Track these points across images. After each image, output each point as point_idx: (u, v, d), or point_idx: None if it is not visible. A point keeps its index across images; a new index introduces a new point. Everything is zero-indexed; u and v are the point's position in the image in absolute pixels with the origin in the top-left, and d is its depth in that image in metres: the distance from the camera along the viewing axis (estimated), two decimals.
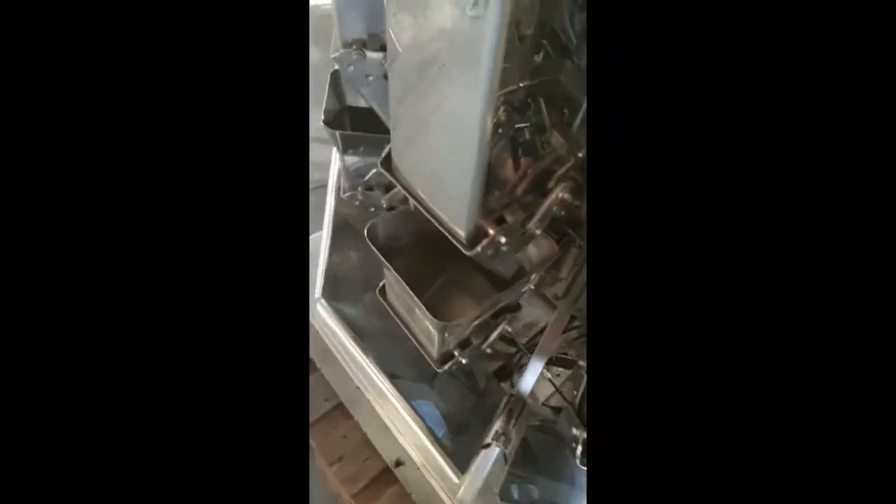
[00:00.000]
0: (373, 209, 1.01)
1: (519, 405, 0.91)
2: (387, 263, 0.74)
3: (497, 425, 0.86)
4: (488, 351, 0.81)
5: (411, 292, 0.71)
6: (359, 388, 1.19)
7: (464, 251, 0.60)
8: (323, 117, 0.90)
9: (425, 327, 0.79)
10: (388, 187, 0.98)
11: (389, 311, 0.86)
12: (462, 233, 0.61)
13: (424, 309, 0.69)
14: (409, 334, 0.83)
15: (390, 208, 1.00)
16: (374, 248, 0.74)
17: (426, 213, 0.64)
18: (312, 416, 1.34)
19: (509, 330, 0.81)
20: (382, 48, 0.81)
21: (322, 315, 0.96)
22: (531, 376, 1.02)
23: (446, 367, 0.79)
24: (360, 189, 0.98)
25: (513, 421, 0.89)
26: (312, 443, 1.32)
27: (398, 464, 1.20)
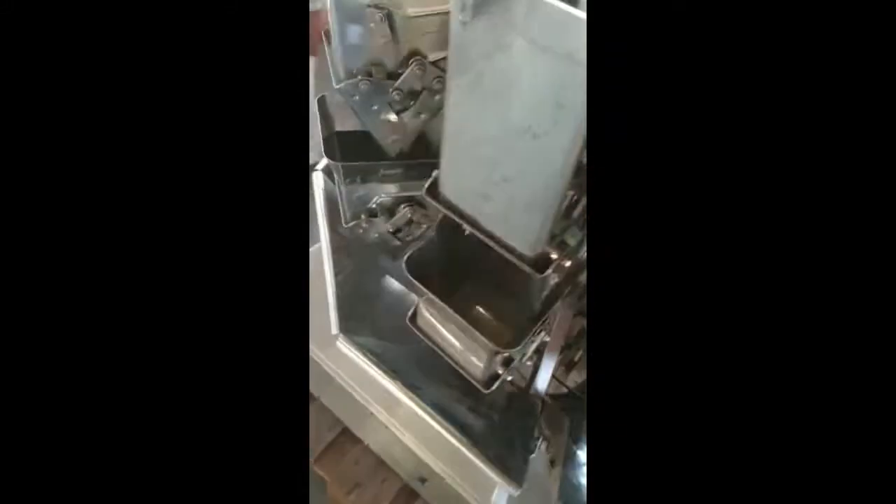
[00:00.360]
0: (376, 235, 0.99)
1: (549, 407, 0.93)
2: (432, 295, 0.73)
3: (539, 430, 0.87)
4: (528, 364, 0.82)
5: (465, 322, 0.71)
6: (373, 413, 1.17)
7: (534, 276, 0.61)
8: (323, 148, 0.87)
9: (471, 350, 0.79)
10: (392, 212, 0.96)
11: (422, 337, 0.85)
12: (530, 259, 0.61)
13: (481, 336, 0.69)
14: (447, 359, 0.83)
15: (395, 231, 0.98)
16: (415, 281, 0.73)
17: (488, 241, 0.64)
18: (318, 447, 1.31)
19: (546, 340, 0.82)
20: (389, 76, 0.79)
21: (344, 351, 0.94)
22: (546, 374, 1.05)
23: (493, 387, 0.80)
24: (363, 217, 0.96)
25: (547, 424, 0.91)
26: (325, 476, 1.29)
27: (422, 480, 1.20)
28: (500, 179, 0.58)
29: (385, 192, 0.95)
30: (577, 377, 1.25)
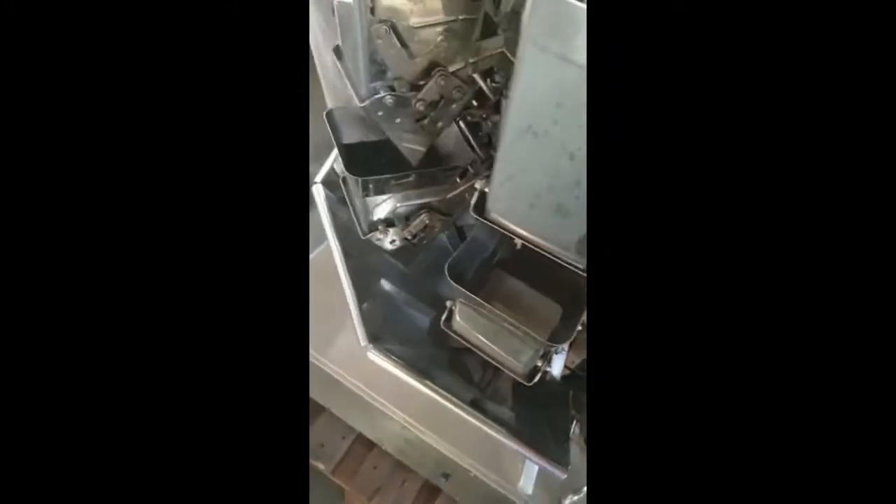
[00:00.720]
0: (393, 241, 1.00)
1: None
2: (478, 299, 0.76)
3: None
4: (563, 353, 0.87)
5: (514, 321, 0.75)
6: (390, 416, 1.19)
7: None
8: (343, 162, 0.88)
9: (512, 348, 0.83)
10: (409, 219, 0.98)
11: (458, 338, 0.88)
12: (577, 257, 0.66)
13: (534, 334, 0.73)
14: (486, 357, 0.86)
15: (413, 237, 1.00)
16: (461, 289, 0.76)
17: (540, 251, 0.67)
18: (335, 458, 1.31)
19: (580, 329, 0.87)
20: (412, 87, 0.81)
21: (377, 362, 0.95)
22: (560, 361, 1.10)
23: (535, 380, 0.84)
24: (380, 227, 0.97)
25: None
26: (343, 485, 1.30)
27: (445, 476, 1.23)
28: (546, 192, 0.61)
29: (402, 201, 0.96)
30: (574, 357, 1.31)
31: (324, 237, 1.45)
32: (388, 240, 0.98)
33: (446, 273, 0.77)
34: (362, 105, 0.79)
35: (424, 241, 1.02)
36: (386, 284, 1.32)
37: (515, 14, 0.94)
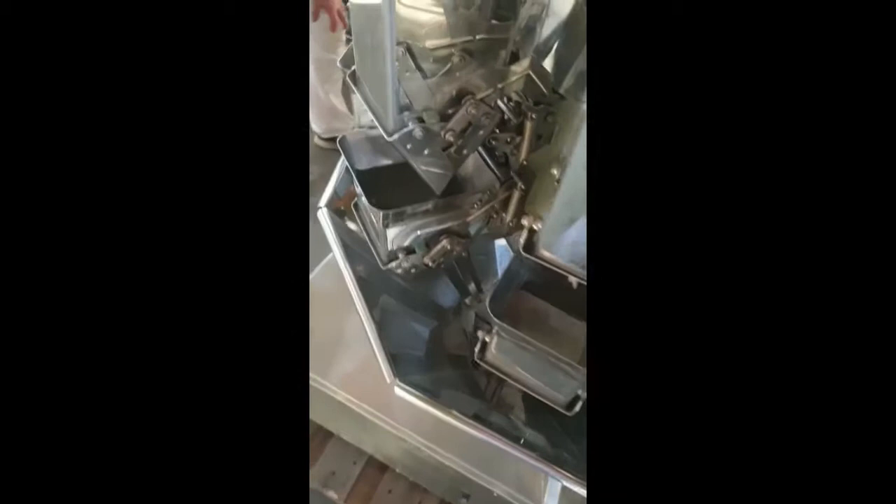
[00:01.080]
0: (413, 269, 0.97)
1: None
2: (522, 335, 0.74)
3: None
4: None
5: (557, 355, 0.73)
6: (403, 438, 1.16)
7: None
8: (368, 198, 0.84)
9: (555, 381, 0.81)
10: (429, 246, 0.95)
11: (492, 370, 0.86)
12: None
13: (575, 364, 0.72)
14: (521, 388, 0.85)
15: (433, 263, 0.97)
16: (510, 328, 0.74)
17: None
18: (347, 484, 1.28)
19: None
20: (442, 117, 0.77)
21: (405, 397, 0.92)
22: None
23: (576, 409, 0.83)
24: (400, 255, 0.94)
25: None
26: None
27: (466, 497, 1.21)
28: None
29: (423, 228, 0.93)
30: None
31: (320, 257, 1.40)
32: (409, 267, 0.95)
33: (488, 310, 0.75)
34: (390, 139, 0.75)
35: (442, 267, 0.99)
36: (386, 298, 1.28)
37: (530, 31, 0.92)
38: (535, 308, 0.94)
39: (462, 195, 0.88)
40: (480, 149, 0.96)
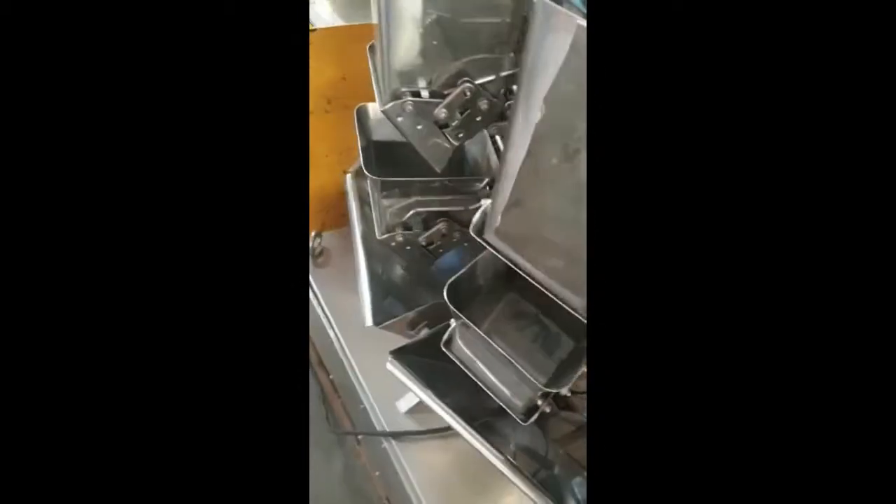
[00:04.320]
0: (408, 247, 0.97)
1: None
2: (474, 326, 0.72)
3: None
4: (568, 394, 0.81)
5: (510, 357, 0.70)
6: None
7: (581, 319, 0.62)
8: (361, 159, 0.85)
9: (513, 383, 0.78)
10: (427, 225, 0.94)
11: (457, 362, 0.84)
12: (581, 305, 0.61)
13: (529, 375, 0.68)
14: (484, 388, 0.82)
15: (429, 244, 0.97)
16: (455, 309, 0.72)
17: (536, 283, 0.63)
18: None
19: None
20: (434, 95, 0.76)
21: (394, 373, 0.92)
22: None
23: (532, 419, 0.79)
24: (398, 230, 0.94)
25: None
26: None
27: None
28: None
29: (420, 206, 0.93)
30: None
31: None
32: (404, 242, 0.95)
33: (444, 295, 0.73)
34: (383, 110, 0.75)
35: (441, 250, 0.98)
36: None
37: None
38: (524, 313, 0.90)
39: (462, 178, 0.87)
40: (490, 138, 0.94)
